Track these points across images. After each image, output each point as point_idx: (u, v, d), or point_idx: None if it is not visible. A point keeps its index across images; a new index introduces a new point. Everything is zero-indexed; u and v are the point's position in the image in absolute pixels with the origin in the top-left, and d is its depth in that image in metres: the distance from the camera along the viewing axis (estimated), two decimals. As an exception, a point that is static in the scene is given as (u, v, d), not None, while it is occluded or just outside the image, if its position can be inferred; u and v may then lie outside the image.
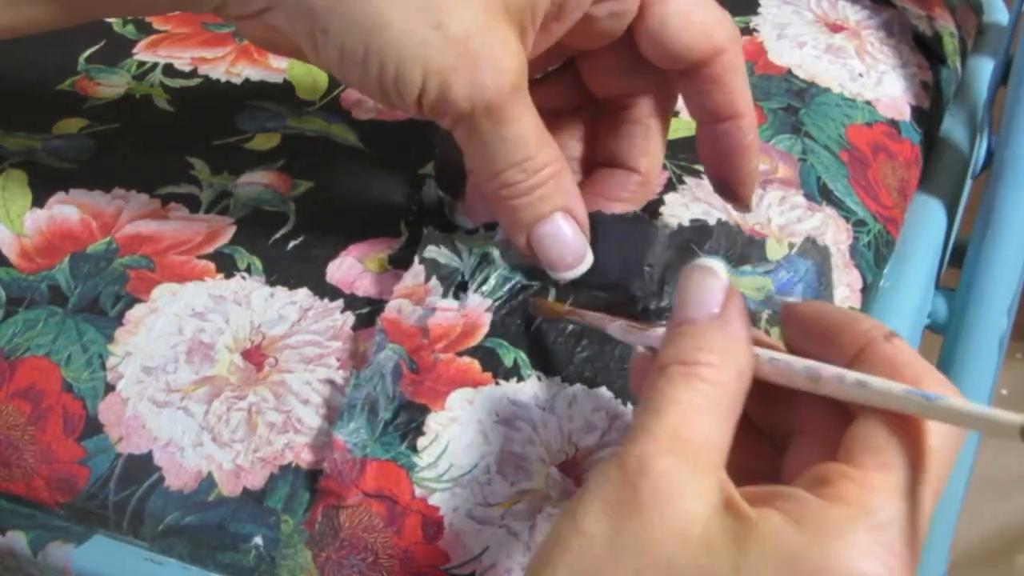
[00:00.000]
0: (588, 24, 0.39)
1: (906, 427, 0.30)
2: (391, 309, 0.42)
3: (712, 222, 0.47)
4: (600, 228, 0.41)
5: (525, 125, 0.38)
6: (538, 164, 0.39)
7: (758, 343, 0.33)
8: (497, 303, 0.42)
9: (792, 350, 0.34)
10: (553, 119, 0.42)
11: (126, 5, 0.41)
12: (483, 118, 0.37)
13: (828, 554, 0.27)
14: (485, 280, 0.43)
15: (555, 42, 0.40)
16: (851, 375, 0.31)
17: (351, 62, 0.36)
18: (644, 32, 0.40)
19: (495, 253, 0.43)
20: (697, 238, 0.43)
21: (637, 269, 0.42)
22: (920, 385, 0.30)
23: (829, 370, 0.31)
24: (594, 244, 0.41)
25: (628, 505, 0.29)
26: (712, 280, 0.33)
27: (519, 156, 0.38)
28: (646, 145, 0.44)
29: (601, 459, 0.30)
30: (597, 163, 0.45)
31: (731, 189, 0.43)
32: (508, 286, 0.42)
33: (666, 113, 0.44)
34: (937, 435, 0.30)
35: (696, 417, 0.30)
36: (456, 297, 0.44)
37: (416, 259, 0.43)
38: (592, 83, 0.44)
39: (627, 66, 0.42)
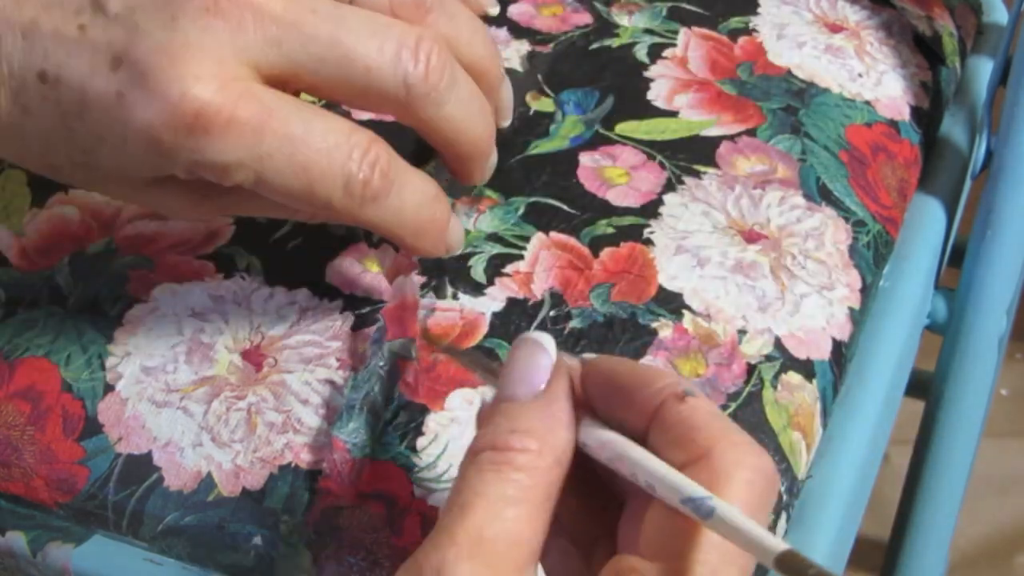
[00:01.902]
0: None
1: (694, 530, 0.28)
2: (390, 301, 0.42)
3: (710, 223, 0.47)
4: None
5: None
6: None
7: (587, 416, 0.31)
8: None
9: (596, 411, 0.32)
10: None
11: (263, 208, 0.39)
12: None
13: None
14: None
15: None
16: (643, 476, 0.29)
17: None
18: None
19: None
20: None
21: None
22: (712, 448, 0.29)
23: (627, 462, 0.30)
24: None
25: None
26: (539, 355, 0.31)
27: None
28: None
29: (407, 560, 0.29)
30: None
31: None
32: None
33: None
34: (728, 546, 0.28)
35: (504, 511, 0.29)
36: (455, 297, 0.44)
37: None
38: None
39: None
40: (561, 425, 0.31)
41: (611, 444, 0.31)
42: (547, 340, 0.32)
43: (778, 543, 0.27)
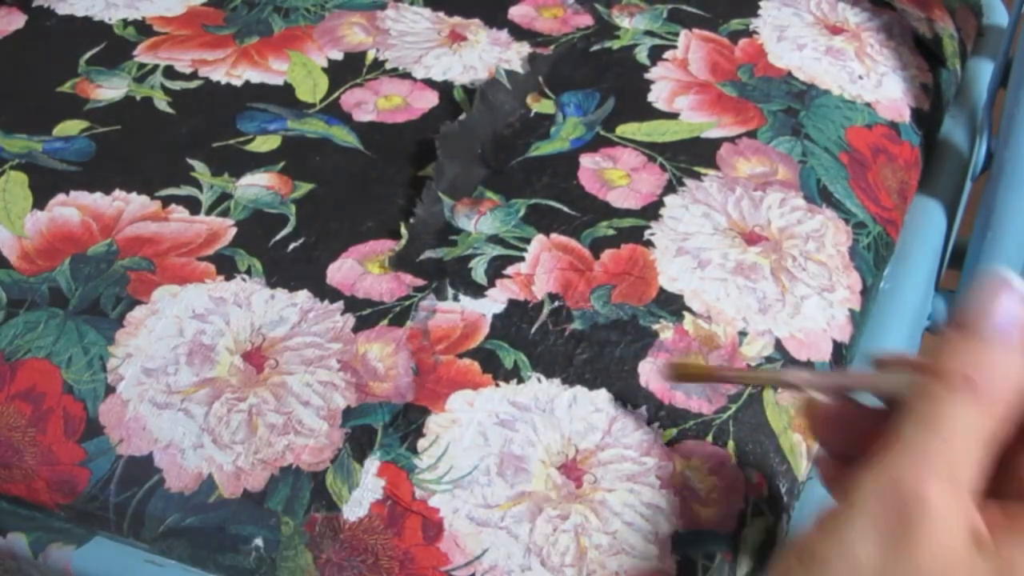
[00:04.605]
0: None
1: None
2: None
3: (710, 225, 0.47)
4: None
5: None
6: None
7: None
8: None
9: None
10: None
11: None
12: None
13: None
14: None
15: None
16: None
17: None
18: None
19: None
20: None
21: None
22: None
23: None
24: None
25: (899, 535, 0.28)
26: (1009, 297, 0.31)
27: None
28: None
29: (871, 470, 0.29)
30: None
31: None
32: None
33: None
34: None
35: (971, 441, 0.29)
36: (456, 299, 0.44)
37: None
38: None
39: None
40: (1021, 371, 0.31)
41: None
42: (1018, 281, 0.32)
43: None
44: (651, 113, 0.52)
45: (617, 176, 0.49)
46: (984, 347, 0.31)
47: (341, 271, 0.45)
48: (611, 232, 0.46)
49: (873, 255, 0.49)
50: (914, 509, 0.28)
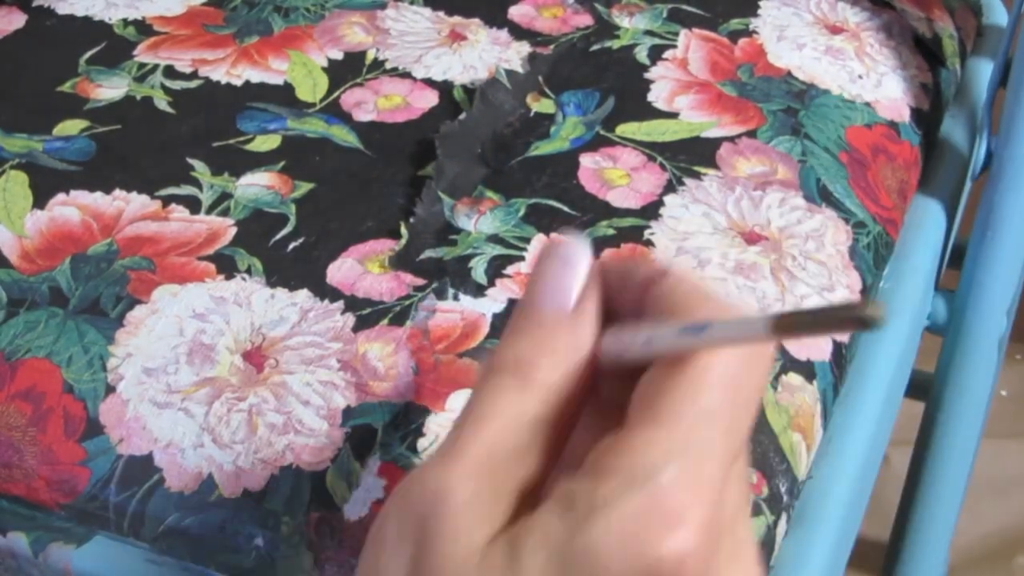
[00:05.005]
0: None
1: (683, 370, 0.26)
2: None
3: (710, 225, 0.47)
4: None
5: None
6: None
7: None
8: None
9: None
10: None
11: None
12: None
13: (593, 539, 0.24)
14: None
15: None
16: (643, 337, 0.27)
17: None
18: None
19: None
20: None
21: None
22: (695, 316, 0.27)
23: (631, 337, 0.28)
24: None
25: (421, 541, 0.26)
26: (569, 274, 0.29)
27: None
28: None
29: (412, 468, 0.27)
30: None
31: None
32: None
33: None
34: (725, 364, 0.26)
35: (520, 430, 0.27)
36: (456, 298, 0.44)
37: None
38: None
39: None
40: (585, 346, 0.28)
41: (618, 333, 0.28)
42: (581, 254, 0.29)
43: (765, 314, 0.25)
44: (651, 113, 0.52)
45: (617, 176, 0.49)
46: (536, 328, 0.28)
47: (341, 271, 0.45)
48: (611, 232, 0.46)
49: (872, 255, 0.49)
50: (435, 508, 0.26)
